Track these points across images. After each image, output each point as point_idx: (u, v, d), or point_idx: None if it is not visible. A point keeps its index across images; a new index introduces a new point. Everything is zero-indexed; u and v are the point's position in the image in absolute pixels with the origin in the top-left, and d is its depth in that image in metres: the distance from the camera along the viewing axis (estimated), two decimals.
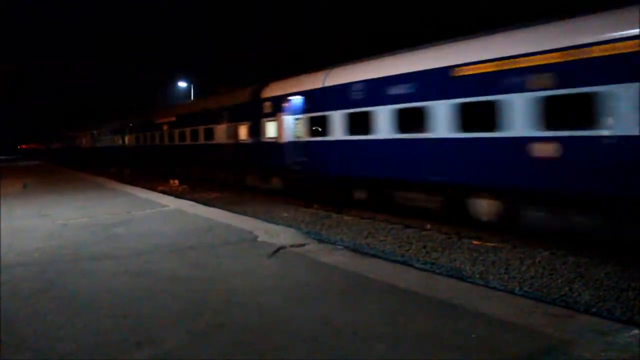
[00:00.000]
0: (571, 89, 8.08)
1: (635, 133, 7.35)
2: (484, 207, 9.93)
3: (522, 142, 8.75)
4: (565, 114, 8.26)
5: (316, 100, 14.01)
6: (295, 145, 14.83)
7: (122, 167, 30.99)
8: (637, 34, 7.37)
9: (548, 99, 8.37)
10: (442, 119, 10.21)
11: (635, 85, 7.33)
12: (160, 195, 15.25)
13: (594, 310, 5.83)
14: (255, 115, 16.96)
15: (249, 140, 17.50)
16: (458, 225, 10.12)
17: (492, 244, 8.77)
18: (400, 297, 4.71)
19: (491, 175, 9.38)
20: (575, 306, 5.84)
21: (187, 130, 22.82)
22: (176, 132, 24.30)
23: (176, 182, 22.84)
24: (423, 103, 10.66)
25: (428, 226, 10.51)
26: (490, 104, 9.23)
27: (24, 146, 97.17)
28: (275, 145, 15.70)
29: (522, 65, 8.77)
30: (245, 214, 11.56)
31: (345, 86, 12.93)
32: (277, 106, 15.55)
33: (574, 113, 8.13)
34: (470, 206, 10.19)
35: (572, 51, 8.12)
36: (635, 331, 3.75)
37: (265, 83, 17.16)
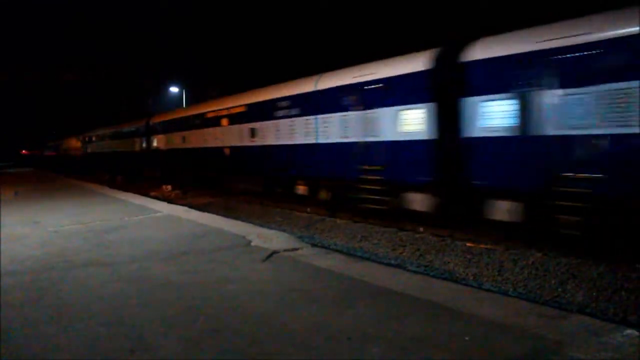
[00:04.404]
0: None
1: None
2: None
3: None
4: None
5: (160, 128, 25.95)
6: (169, 150, 24.92)
7: (113, 173, 31.18)
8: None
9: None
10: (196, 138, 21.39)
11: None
12: (153, 200, 15.17)
13: (587, 310, 5.86)
14: (148, 134, 27.53)
15: (146, 148, 28.16)
16: (451, 228, 10.15)
17: (485, 246, 8.80)
18: (394, 300, 4.71)
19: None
20: (568, 307, 5.87)
21: (130, 141, 32.08)
22: (115, 142, 34.44)
23: (169, 187, 22.77)
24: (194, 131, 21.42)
25: (421, 229, 10.54)
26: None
27: (24, 152, 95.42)
28: (159, 151, 26.12)
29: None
30: (238, 218, 11.54)
31: (166, 122, 25.22)
32: (157, 128, 26.36)
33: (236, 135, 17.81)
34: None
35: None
36: (629, 331, 3.77)
37: (153, 114, 29.36)
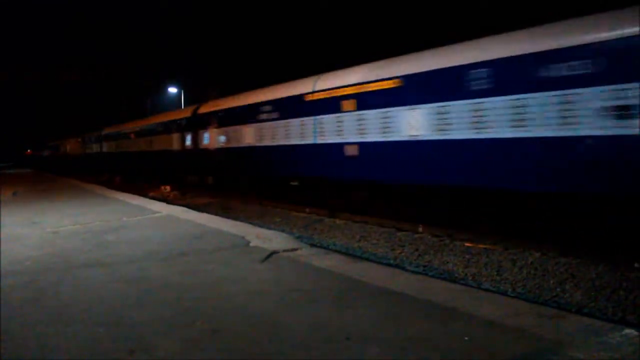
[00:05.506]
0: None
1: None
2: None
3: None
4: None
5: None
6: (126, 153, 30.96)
7: (112, 174, 31.14)
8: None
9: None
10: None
11: None
12: (152, 201, 15.17)
13: (586, 310, 5.86)
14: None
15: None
16: (450, 228, 10.16)
17: (484, 246, 8.81)
18: (393, 301, 4.71)
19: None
20: (567, 306, 5.88)
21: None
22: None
23: (167, 188, 22.75)
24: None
25: (420, 229, 10.54)
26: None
27: (29, 152, 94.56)
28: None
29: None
30: (237, 219, 11.54)
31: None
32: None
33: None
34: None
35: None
36: (627, 330, 3.78)
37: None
